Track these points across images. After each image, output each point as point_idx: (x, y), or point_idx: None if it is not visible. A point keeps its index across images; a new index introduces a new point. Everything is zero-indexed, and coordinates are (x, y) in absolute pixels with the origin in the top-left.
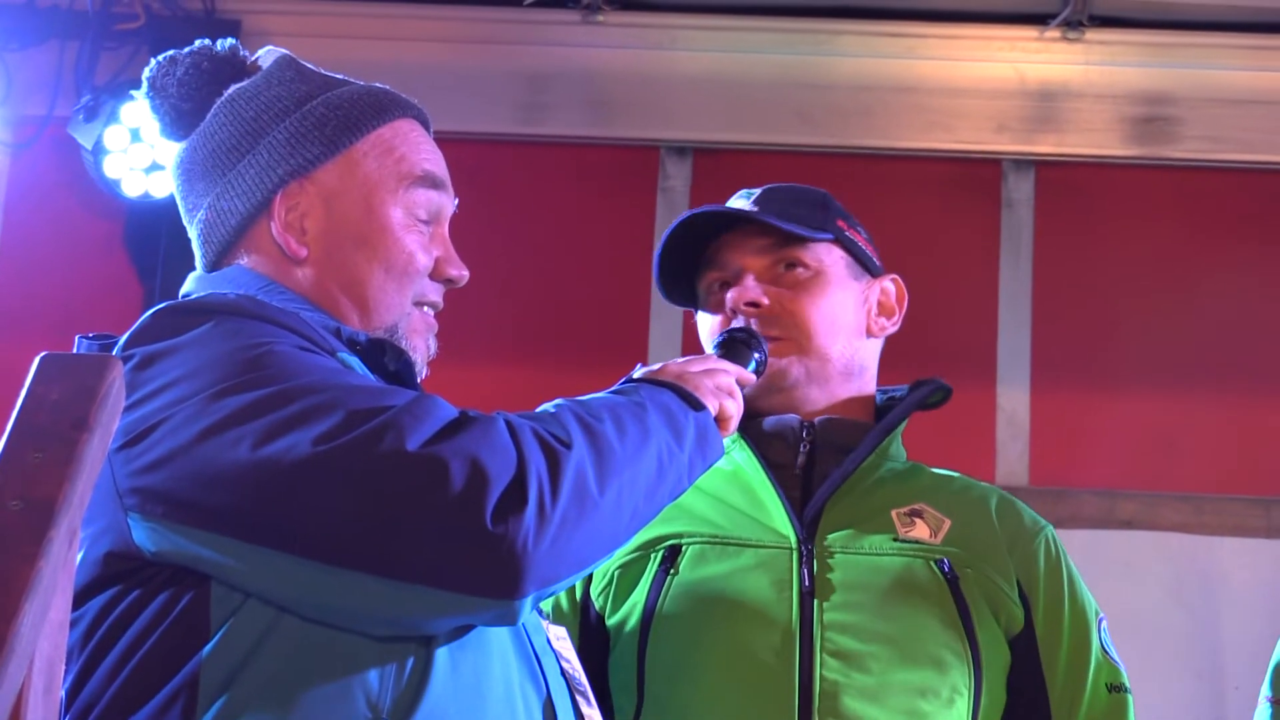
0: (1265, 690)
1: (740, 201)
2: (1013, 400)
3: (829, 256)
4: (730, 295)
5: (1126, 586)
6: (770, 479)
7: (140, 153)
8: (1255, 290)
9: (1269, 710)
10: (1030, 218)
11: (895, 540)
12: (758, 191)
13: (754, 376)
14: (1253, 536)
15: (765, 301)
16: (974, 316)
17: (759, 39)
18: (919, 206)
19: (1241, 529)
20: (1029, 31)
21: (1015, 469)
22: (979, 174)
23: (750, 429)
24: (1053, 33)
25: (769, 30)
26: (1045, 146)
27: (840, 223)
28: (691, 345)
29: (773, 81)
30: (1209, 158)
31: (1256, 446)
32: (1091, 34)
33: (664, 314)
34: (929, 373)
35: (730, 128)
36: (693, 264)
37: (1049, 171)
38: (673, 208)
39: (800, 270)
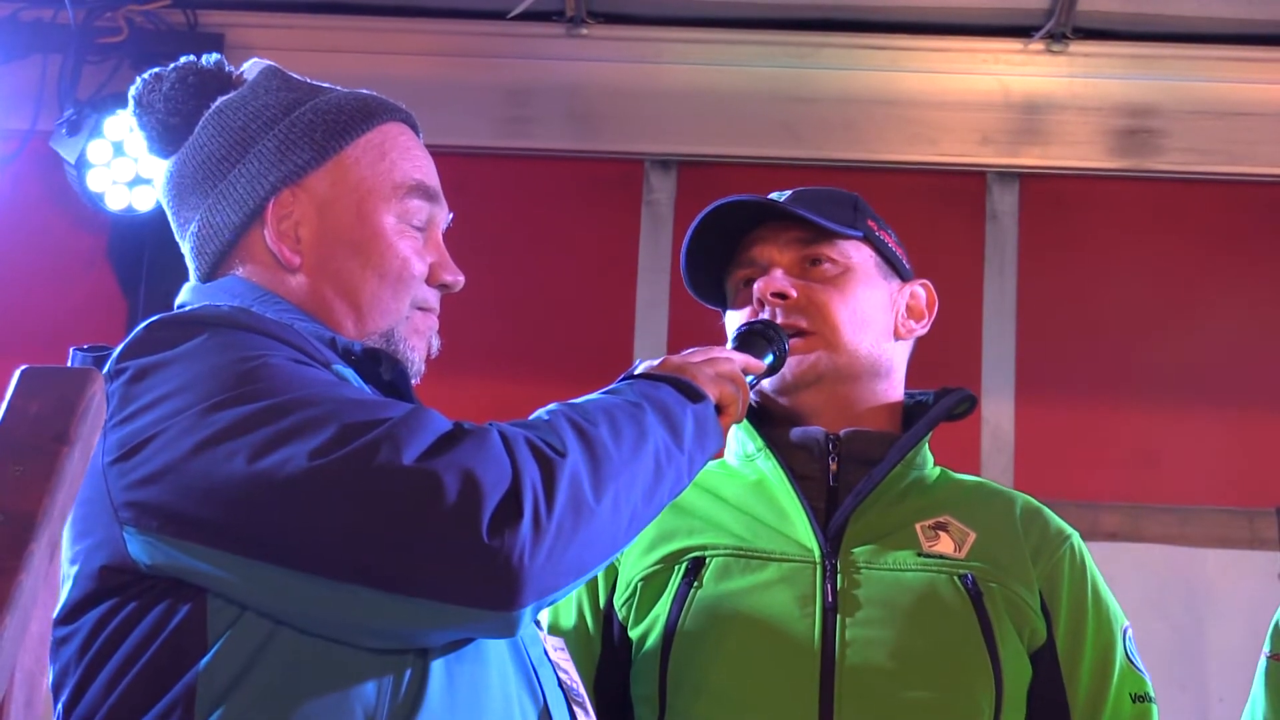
0: (1266, 647)
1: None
2: (997, 413)
3: (858, 254)
4: (757, 286)
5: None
6: (795, 490)
7: (123, 166)
8: (1240, 302)
9: (1264, 664)
10: (1015, 230)
11: (919, 555)
12: (788, 193)
13: (764, 365)
14: (1237, 548)
15: (793, 293)
16: (958, 329)
17: (743, 52)
18: (903, 219)
19: (1226, 540)
20: (1013, 44)
21: (999, 481)
22: (963, 186)
23: (776, 440)
24: (1037, 45)
25: (753, 43)
26: (1029, 159)
27: (870, 223)
28: None
29: (757, 94)
30: (1193, 170)
31: (1240, 458)
32: (1075, 46)
33: (649, 327)
34: (914, 385)
35: (714, 141)
36: (721, 263)
37: (1033, 184)
38: (657, 221)
39: (828, 266)
